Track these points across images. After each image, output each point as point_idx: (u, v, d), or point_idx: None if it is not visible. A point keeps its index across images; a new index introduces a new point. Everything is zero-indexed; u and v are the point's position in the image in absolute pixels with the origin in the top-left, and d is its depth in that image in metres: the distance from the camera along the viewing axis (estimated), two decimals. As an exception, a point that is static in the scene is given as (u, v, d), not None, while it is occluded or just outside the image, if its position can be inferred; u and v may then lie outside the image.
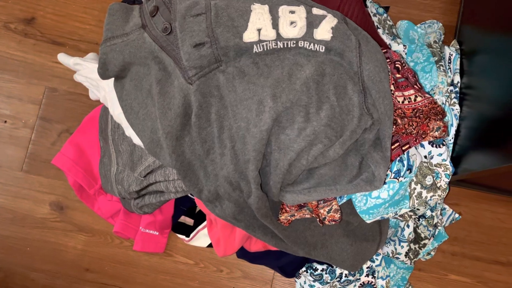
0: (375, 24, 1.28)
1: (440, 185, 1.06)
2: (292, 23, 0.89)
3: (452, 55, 1.24)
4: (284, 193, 0.93)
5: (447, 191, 1.07)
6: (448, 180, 1.06)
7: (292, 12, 0.90)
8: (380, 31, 1.27)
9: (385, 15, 1.33)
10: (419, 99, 0.96)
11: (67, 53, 1.19)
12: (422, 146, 1.07)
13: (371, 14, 1.29)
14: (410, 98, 0.96)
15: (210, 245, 1.39)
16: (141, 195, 1.18)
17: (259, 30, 0.89)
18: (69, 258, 1.48)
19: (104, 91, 1.12)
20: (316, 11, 0.92)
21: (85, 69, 1.16)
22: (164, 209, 1.32)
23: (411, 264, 1.32)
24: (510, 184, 1.26)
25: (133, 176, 1.15)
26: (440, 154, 1.06)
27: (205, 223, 1.35)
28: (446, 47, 1.27)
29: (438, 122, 0.97)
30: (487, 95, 1.11)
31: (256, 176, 0.88)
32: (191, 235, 1.37)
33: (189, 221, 1.38)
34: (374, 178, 0.91)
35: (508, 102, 1.00)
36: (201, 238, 1.38)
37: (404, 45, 1.26)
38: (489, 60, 1.15)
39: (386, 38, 1.26)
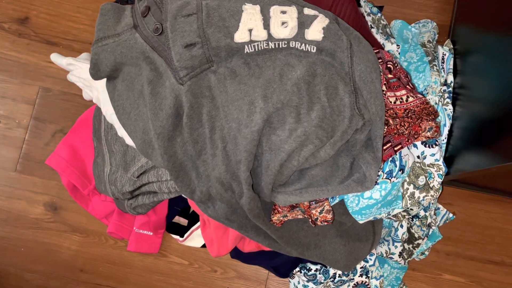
0: (369, 23, 1.28)
1: (433, 185, 1.05)
2: (283, 23, 0.89)
3: (445, 54, 1.24)
4: (275, 194, 0.93)
5: (440, 191, 1.06)
6: (441, 180, 1.06)
7: (284, 12, 0.90)
8: (374, 30, 1.27)
9: (379, 14, 1.33)
10: (411, 99, 0.96)
11: (61, 53, 1.18)
12: (415, 146, 1.06)
13: (365, 14, 1.29)
14: (402, 98, 0.96)
15: (204, 246, 1.39)
16: (135, 195, 1.18)
17: (250, 30, 0.89)
18: (63, 258, 1.47)
19: (97, 91, 1.12)
20: (307, 11, 0.91)
21: (78, 69, 1.15)
22: (158, 209, 1.32)
23: (405, 264, 1.31)
24: (504, 183, 1.26)
25: (126, 176, 1.14)
26: (433, 154, 1.05)
27: (199, 223, 1.35)
28: (439, 47, 1.27)
29: (430, 122, 0.96)
30: (480, 95, 1.11)
31: (247, 177, 0.88)
32: (185, 235, 1.37)
33: (183, 221, 1.37)
34: (365, 179, 0.91)
35: (501, 102, 1.00)
36: (195, 238, 1.38)
37: (397, 45, 1.25)
38: (482, 60, 1.15)
39: (379, 38, 1.26)
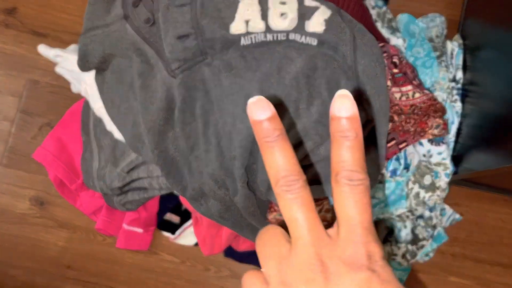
0: (374, 17, 1.25)
1: (439, 185, 1.03)
2: (282, 14, 0.85)
3: (454, 50, 1.22)
4: (272, 192, 0.89)
5: (447, 191, 1.05)
6: (448, 180, 1.04)
7: (283, 3, 0.85)
8: (378, 24, 1.24)
9: (384, 7, 1.29)
10: (417, 95, 0.93)
11: (49, 44, 1.15)
12: (421, 144, 1.04)
13: (370, 7, 1.26)
14: (407, 94, 0.93)
15: (197, 243, 1.37)
16: (124, 191, 1.15)
17: (247, 21, 0.84)
18: (49, 255, 1.46)
19: (85, 84, 1.08)
20: (308, 2, 0.87)
21: (66, 61, 1.12)
22: (149, 205, 1.30)
23: (408, 265, 1.29)
24: (514, 184, 1.25)
25: (115, 171, 1.11)
26: (440, 153, 1.03)
27: (191, 220, 1.32)
28: (448, 42, 1.25)
29: (437, 119, 0.94)
30: (491, 92, 1.08)
31: (242, 174, 0.84)
32: (177, 232, 1.35)
33: (175, 218, 1.35)
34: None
35: (512, 100, 0.97)
36: (187, 236, 1.36)
37: (404, 39, 1.23)
38: (493, 56, 1.12)
39: (385, 32, 1.23)
